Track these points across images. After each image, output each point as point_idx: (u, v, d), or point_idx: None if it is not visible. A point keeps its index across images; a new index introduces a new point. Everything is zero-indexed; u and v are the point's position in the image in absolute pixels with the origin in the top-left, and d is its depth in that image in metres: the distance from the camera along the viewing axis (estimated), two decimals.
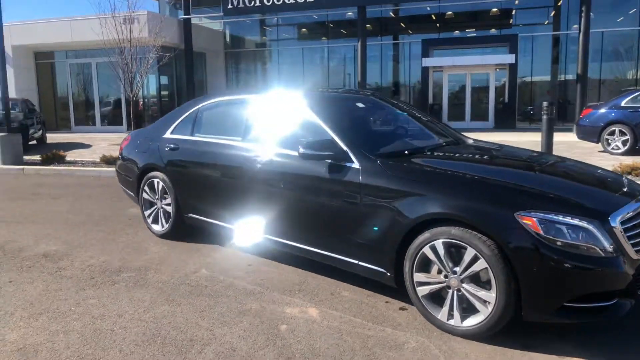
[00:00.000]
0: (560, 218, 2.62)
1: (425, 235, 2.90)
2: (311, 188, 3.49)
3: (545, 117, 7.58)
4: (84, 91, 21.21)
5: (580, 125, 11.34)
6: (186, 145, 4.47)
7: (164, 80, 20.63)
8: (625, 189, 3.09)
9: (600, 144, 10.79)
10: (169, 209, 4.65)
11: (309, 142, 3.37)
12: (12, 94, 19.96)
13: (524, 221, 2.63)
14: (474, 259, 2.75)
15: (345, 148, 3.37)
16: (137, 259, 4.28)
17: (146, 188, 4.87)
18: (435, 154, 3.69)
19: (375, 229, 3.13)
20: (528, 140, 12.13)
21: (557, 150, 7.71)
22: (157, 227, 4.84)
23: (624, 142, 10.40)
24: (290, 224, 3.70)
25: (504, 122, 18.20)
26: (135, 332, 2.97)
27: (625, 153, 10.26)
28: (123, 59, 13.53)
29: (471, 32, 20.36)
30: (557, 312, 2.62)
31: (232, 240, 4.35)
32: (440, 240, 2.84)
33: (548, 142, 7.58)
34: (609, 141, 10.57)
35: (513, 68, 18.19)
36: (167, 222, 4.71)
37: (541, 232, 2.59)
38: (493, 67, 18.65)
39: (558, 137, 9.43)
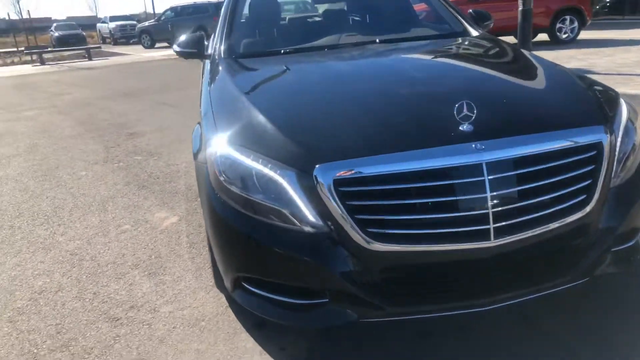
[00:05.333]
0: (245, 160, 1.68)
1: None
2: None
3: None
4: None
5: None
6: None
7: None
8: (462, 128, 1.58)
9: None
10: None
11: (183, 38, 3.07)
12: None
13: (211, 159, 1.83)
14: None
15: (216, 46, 2.93)
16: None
17: None
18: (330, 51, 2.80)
19: None
20: None
21: None
22: None
23: None
24: None
25: None
26: None
27: None
28: None
29: None
30: (235, 288, 1.78)
31: None
32: None
33: None
34: None
35: None
36: None
37: (219, 176, 1.73)
38: None
39: None
